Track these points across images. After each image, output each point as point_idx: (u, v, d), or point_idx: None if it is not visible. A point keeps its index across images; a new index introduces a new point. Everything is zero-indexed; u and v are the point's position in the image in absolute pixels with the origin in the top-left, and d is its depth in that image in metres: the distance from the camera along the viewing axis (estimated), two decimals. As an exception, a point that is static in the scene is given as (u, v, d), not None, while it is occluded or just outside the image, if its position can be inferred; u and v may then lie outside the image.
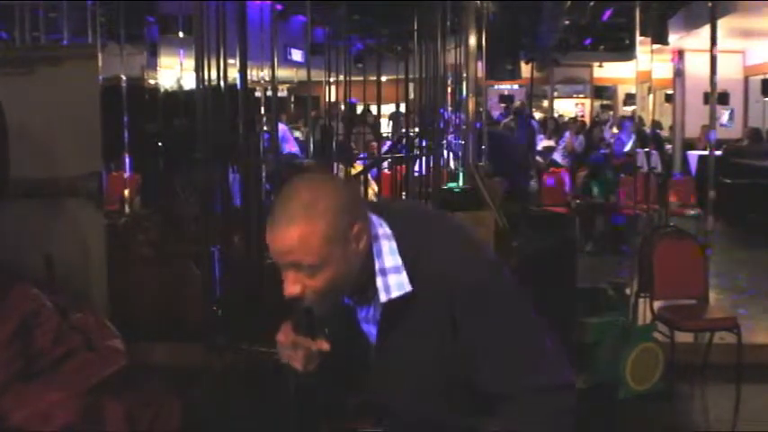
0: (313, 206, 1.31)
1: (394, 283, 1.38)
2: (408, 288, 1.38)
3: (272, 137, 4.79)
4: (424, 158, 5.02)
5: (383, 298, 1.38)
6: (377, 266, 1.38)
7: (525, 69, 15.86)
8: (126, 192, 6.29)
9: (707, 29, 5.99)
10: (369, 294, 1.42)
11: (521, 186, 6.82)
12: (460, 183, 4.64)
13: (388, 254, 1.39)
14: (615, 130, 14.94)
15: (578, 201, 8.16)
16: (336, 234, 1.32)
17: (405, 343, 1.43)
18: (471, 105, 4.62)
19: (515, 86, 18.73)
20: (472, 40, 4.31)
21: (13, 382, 2.64)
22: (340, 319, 1.48)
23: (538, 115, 17.98)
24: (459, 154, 5.03)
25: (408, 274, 1.39)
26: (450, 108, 6.08)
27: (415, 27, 4.64)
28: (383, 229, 1.40)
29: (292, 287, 1.34)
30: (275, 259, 1.34)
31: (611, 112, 19.61)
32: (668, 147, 12.75)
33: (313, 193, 1.32)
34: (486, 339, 1.40)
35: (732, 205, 8.68)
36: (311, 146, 6.40)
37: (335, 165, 5.61)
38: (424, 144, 4.98)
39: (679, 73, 13.41)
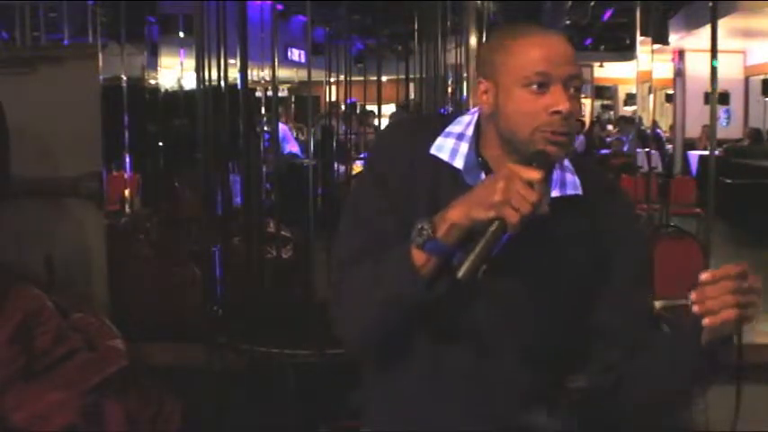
0: None
1: (570, 181, 1.29)
2: (580, 191, 1.29)
3: (273, 137, 4.79)
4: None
5: (555, 193, 1.25)
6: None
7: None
8: (126, 192, 6.29)
9: (707, 29, 6.00)
10: None
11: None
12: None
13: (565, 159, 1.30)
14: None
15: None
16: None
17: (532, 257, 1.26)
18: (472, 105, 4.62)
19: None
20: (472, 40, 4.31)
21: (13, 382, 2.64)
22: None
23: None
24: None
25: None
26: (450, 108, 6.09)
27: (415, 27, 4.64)
28: None
29: (565, 104, 1.19)
30: (550, 72, 1.19)
31: (612, 112, 19.63)
32: (669, 147, 12.76)
33: None
34: (628, 271, 1.33)
35: (733, 205, 8.68)
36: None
37: (336, 164, 5.61)
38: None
39: (679, 73, 13.42)
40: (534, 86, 1.20)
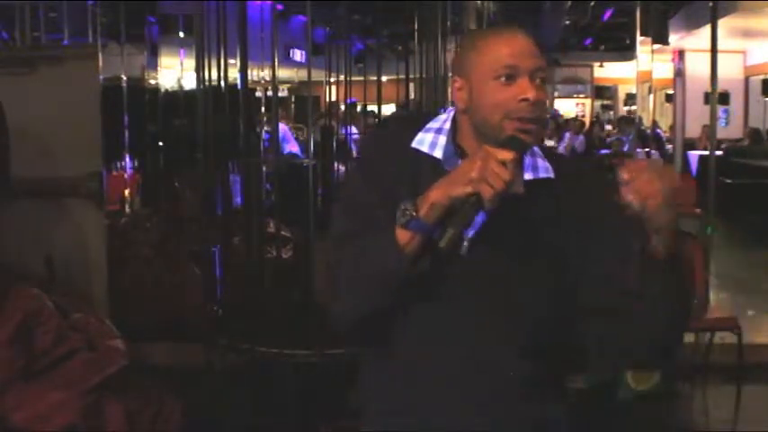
0: None
1: (541, 165, 1.39)
2: (552, 175, 1.39)
3: (273, 137, 4.79)
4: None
5: (529, 176, 1.36)
6: None
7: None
8: (126, 192, 6.29)
9: (707, 29, 6.00)
10: None
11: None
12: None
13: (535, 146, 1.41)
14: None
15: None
16: None
17: (511, 236, 1.35)
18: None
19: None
20: (472, 40, 4.31)
21: (13, 382, 2.64)
22: None
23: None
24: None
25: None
26: (450, 107, 6.07)
27: (415, 27, 4.64)
28: None
29: (532, 92, 1.31)
30: (517, 65, 1.32)
31: (612, 112, 19.66)
32: (669, 147, 12.77)
33: None
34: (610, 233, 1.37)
35: (732, 205, 8.68)
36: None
37: (336, 164, 5.61)
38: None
39: (679, 73, 13.41)
40: (503, 78, 1.32)
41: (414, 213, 1.27)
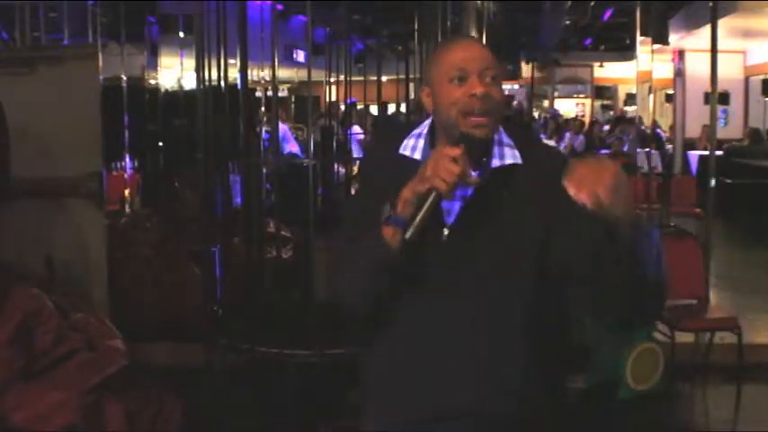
0: None
1: (508, 153, 1.54)
2: (519, 161, 1.53)
3: (273, 137, 4.79)
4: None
5: (496, 164, 1.52)
6: (494, 137, 1.53)
7: (525, 69, 15.88)
8: (126, 192, 6.29)
9: (707, 29, 6.00)
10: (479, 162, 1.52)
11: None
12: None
13: (504, 134, 1.56)
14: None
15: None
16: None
17: (486, 219, 1.50)
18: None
19: (516, 86, 18.78)
20: (472, 40, 4.30)
21: (13, 382, 2.64)
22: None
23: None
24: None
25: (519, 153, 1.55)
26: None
27: (415, 27, 4.64)
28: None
29: (480, 87, 1.47)
30: (466, 67, 1.49)
31: (611, 112, 19.64)
32: (669, 147, 12.76)
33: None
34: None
35: (732, 205, 8.68)
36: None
37: (336, 165, 5.62)
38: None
39: (679, 73, 13.41)
40: (456, 80, 1.49)
41: (392, 210, 1.44)
